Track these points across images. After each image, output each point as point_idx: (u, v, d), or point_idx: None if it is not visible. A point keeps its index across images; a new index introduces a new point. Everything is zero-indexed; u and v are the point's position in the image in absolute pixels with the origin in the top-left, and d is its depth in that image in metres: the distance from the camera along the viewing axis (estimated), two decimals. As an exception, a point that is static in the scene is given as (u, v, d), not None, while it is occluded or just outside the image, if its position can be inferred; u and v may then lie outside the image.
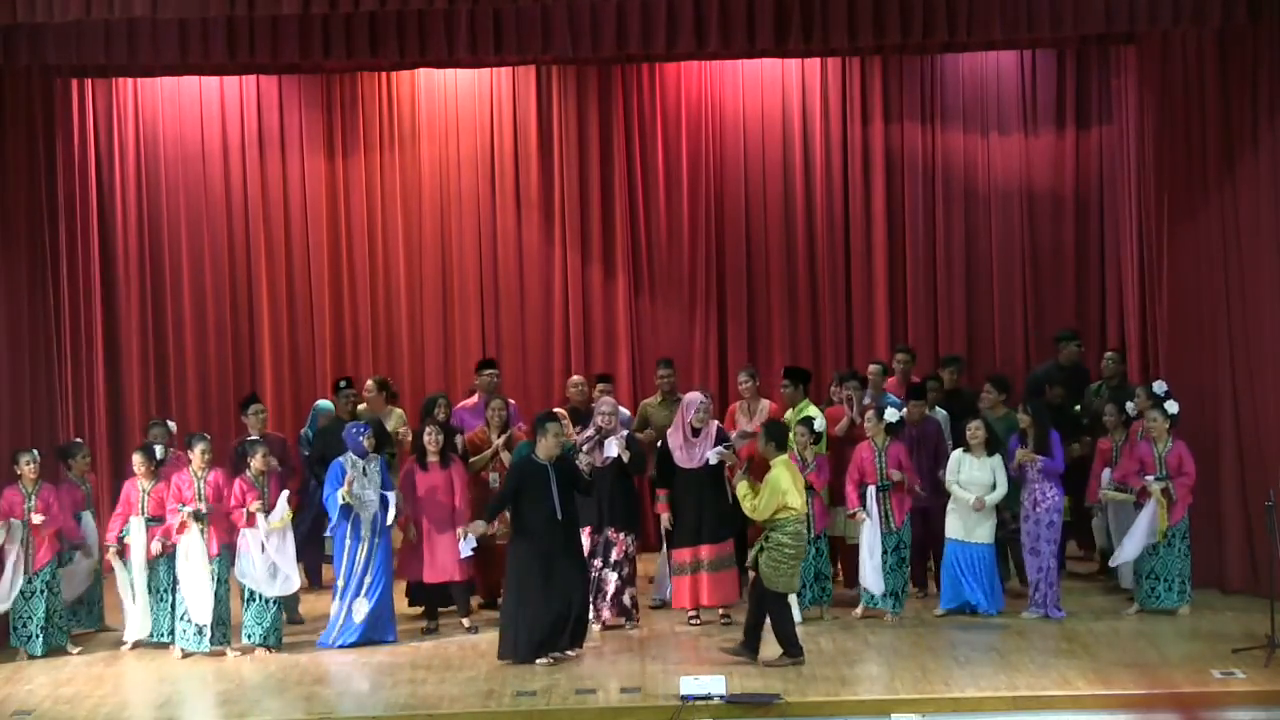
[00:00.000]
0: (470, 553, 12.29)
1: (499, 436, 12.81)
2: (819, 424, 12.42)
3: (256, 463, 12.06)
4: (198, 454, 12.01)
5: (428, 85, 15.24)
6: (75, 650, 12.16)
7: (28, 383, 13.14)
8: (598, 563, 12.17)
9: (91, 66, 13.43)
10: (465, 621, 12.44)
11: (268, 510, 11.96)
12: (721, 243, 15.34)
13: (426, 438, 12.40)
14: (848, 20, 12.30)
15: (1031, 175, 15.28)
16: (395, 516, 12.15)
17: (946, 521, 12.33)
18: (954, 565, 12.29)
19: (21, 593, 12.02)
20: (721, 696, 10.37)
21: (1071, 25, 12.38)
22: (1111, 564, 12.47)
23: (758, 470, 11.63)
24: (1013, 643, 11.61)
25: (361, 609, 12.05)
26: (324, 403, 13.87)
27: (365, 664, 11.68)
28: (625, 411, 13.14)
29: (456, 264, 15.33)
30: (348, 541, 12.05)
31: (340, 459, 12.10)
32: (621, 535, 12.24)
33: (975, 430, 12.26)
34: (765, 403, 13.17)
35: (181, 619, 11.98)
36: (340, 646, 11.98)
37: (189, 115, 15.13)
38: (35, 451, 12.18)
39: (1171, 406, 12.31)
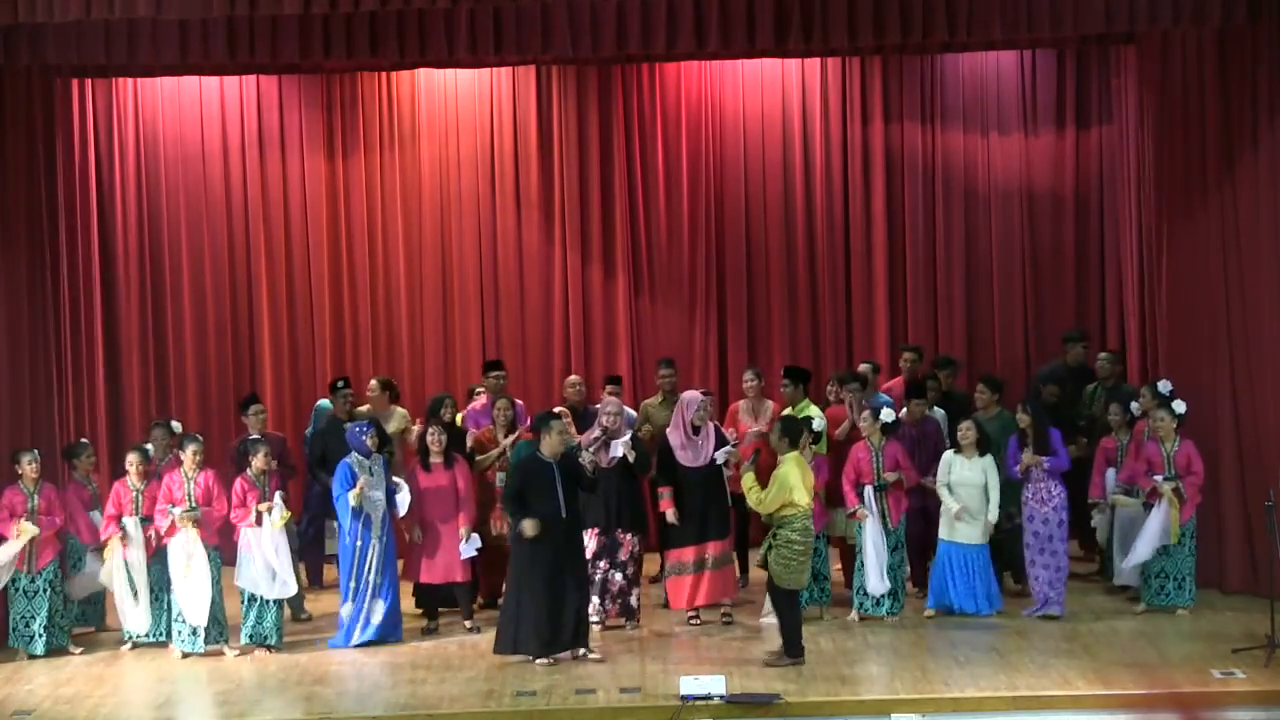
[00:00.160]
0: (474, 554, 12.31)
1: (505, 436, 12.80)
2: (819, 424, 12.42)
3: (258, 462, 12.07)
4: (189, 455, 12.02)
5: (428, 85, 15.24)
6: (77, 651, 12.17)
7: (28, 383, 13.14)
8: (604, 563, 12.17)
9: (91, 66, 13.43)
10: (467, 623, 12.44)
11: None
12: (721, 243, 15.34)
13: (430, 438, 12.40)
14: (848, 20, 12.30)
15: (1031, 175, 15.28)
16: (409, 505, 12.13)
17: (940, 522, 12.34)
18: (945, 566, 12.30)
19: (24, 592, 12.03)
20: (721, 696, 10.38)
21: (1071, 25, 12.39)
22: (1125, 567, 12.42)
23: (764, 469, 11.63)
24: (1013, 643, 11.61)
25: (379, 609, 12.06)
26: (325, 403, 13.86)
27: (365, 664, 11.69)
28: (631, 412, 13.15)
29: (456, 264, 15.33)
30: (358, 542, 12.05)
31: (347, 460, 12.10)
32: (629, 536, 12.24)
33: (966, 431, 12.30)
34: (769, 403, 13.18)
35: (176, 620, 11.99)
36: (357, 646, 11.98)
37: (189, 115, 15.12)
38: (36, 451, 12.19)
39: (1179, 406, 12.33)
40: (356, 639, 12.02)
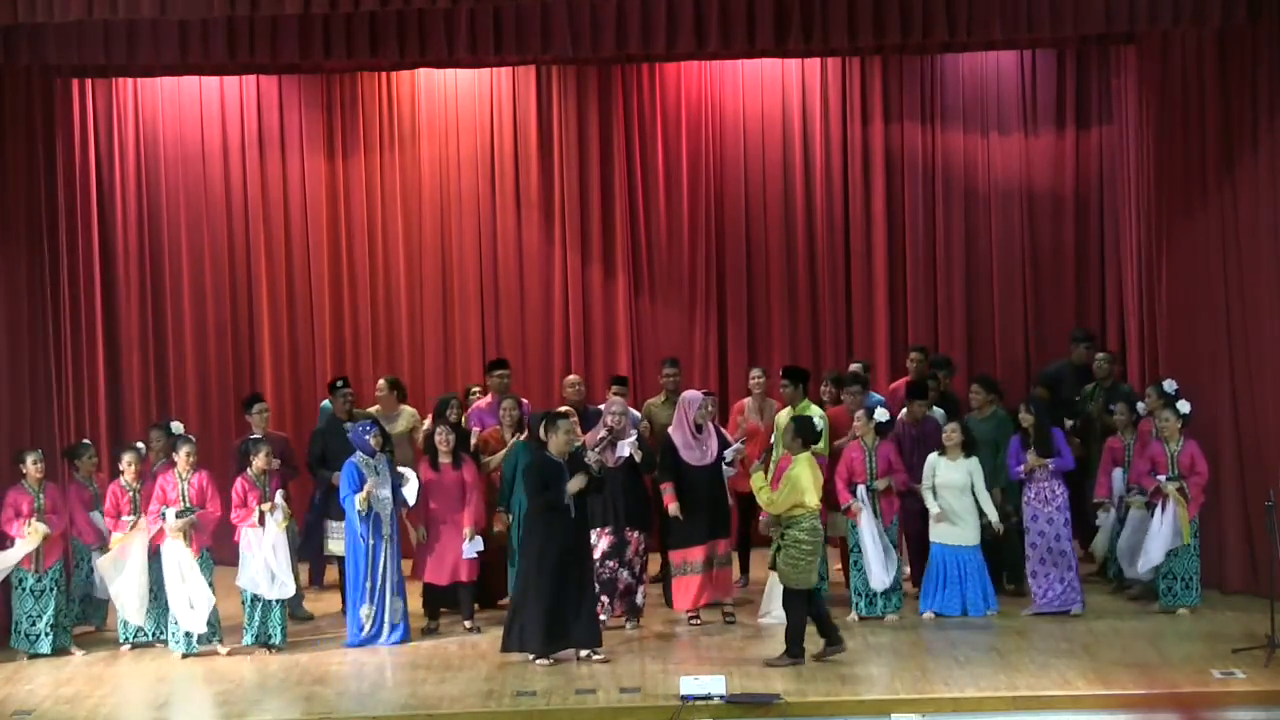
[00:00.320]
0: (475, 554, 12.30)
1: (512, 436, 12.79)
2: (820, 423, 12.42)
3: (259, 461, 12.06)
4: (183, 456, 12.03)
5: (428, 85, 15.24)
6: (79, 652, 12.16)
7: (28, 383, 13.13)
8: (612, 563, 12.16)
9: (91, 66, 13.43)
10: (467, 623, 12.43)
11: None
12: (721, 243, 15.35)
13: (438, 437, 12.39)
14: (848, 20, 12.30)
15: (1031, 175, 15.28)
16: (417, 494, 12.13)
17: (931, 524, 12.35)
18: (939, 568, 12.30)
19: (30, 591, 12.03)
20: (721, 696, 10.37)
21: (1071, 25, 12.39)
22: (1140, 569, 12.39)
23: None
24: (1013, 643, 11.61)
25: (397, 606, 12.07)
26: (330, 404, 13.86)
27: (365, 664, 11.69)
28: (635, 413, 13.16)
29: (456, 264, 15.33)
30: (369, 542, 12.05)
31: (353, 460, 12.08)
32: (636, 534, 12.24)
33: (951, 433, 12.32)
34: (774, 402, 13.19)
35: (172, 620, 11.99)
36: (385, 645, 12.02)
37: (189, 115, 15.12)
38: (40, 451, 12.20)
39: (1184, 406, 12.33)
40: (386, 639, 12.03)
